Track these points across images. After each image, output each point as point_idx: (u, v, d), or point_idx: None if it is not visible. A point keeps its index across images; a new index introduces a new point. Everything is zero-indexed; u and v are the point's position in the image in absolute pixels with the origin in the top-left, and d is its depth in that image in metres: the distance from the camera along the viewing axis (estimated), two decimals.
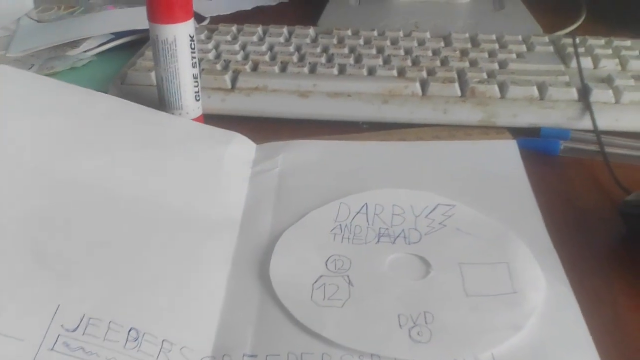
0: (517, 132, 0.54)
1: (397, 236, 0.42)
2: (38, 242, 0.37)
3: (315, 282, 0.38)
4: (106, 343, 0.33)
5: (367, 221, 0.43)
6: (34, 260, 0.36)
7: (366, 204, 0.45)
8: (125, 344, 0.33)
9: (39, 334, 0.32)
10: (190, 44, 0.49)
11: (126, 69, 0.61)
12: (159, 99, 0.51)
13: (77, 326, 0.33)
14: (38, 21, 0.78)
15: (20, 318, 0.33)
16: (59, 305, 0.34)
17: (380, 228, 0.43)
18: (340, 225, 0.43)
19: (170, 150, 0.47)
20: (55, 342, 0.32)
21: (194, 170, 0.46)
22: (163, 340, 0.34)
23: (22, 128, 0.43)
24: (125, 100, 0.49)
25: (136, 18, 0.72)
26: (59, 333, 0.33)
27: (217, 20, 0.77)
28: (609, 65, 0.61)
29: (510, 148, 0.51)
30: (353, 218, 0.43)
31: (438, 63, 0.60)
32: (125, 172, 0.44)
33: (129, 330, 0.34)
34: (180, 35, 0.48)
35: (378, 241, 0.42)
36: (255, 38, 0.66)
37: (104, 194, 0.42)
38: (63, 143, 0.44)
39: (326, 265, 0.40)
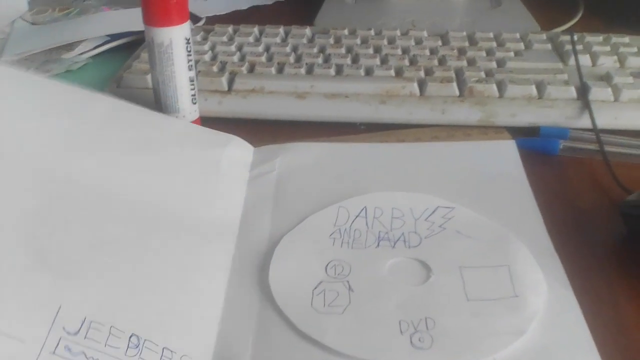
0: (516, 132, 0.54)
1: (397, 240, 0.42)
2: (38, 239, 0.36)
3: (315, 288, 0.38)
4: (107, 349, 0.32)
5: (367, 225, 0.43)
6: (35, 258, 0.35)
7: (365, 207, 0.44)
8: (127, 350, 0.33)
9: (40, 336, 0.31)
10: (187, 47, 0.49)
11: (122, 71, 0.60)
12: (156, 102, 0.51)
13: (79, 329, 0.32)
14: (32, 23, 0.77)
15: (21, 318, 0.32)
16: (60, 306, 0.33)
17: (379, 232, 0.42)
18: (339, 229, 0.43)
19: (168, 152, 0.47)
20: (57, 346, 0.31)
21: (191, 174, 0.46)
22: (164, 348, 0.34)
23: (20, 128, 0.42)
24: (124, 101, 0.48)
25: (132, 19, 0.72)
26: (60, 336, 0.32)
27: (213, 20, 0.77)
28: (607, 62, 0.60)
29: (509, 148, 0.51)
30: (352, 222, 0.43)
31: (436, 62, 0.60)
32: (123, 174, 0.43)
33: (130, 337, 0.33)
34: (176, 38, 0.48)
35: (378, 245, 0.41)
36: (251, 39, 0.66)
37: (101, 195, 0.41)
38: (61, 143, 0.43)
39: (326, 270, 0.39)
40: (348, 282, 0.39)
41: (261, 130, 0.54)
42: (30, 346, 0.31)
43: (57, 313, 0.32)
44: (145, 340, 0.33)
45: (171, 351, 0.34)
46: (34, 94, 0.46)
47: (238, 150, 0.50)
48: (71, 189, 0.40)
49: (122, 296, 0.36)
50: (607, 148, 0.50)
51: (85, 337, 0.32)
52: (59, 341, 0.31)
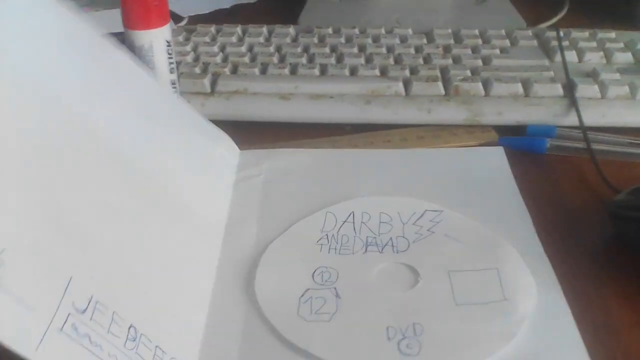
0: (503, 130, 0.53)
1: (385, 245, 0.41)
2: (53, 189, 0.31)
3: (302, 295, 0.37)
4: (110, 336, 0.30)
5: (354, 230, 0.42)
6: (49, 210, 0.30)
7: (353, 212, 0.44)
8: (126, 342, 0.31)
9: (51, 307, 0.27)
10: (167, 50, 0.48)
11: None
12: None
13: (86, 308, 0.29)
14: None
15: (34, 281, 0.27)
16: (71, 278, 0.29)
17: (367, 237, 0.42)
18: (327, 235, 0.42)
19: (172, 129, 0.44)
20: (65, 322, 0.28)
21: (190, 161, 0.44)
22: (156, 347, 0.32)
23: (40, 56, 0.36)
24: (138, 64, 0.45)
25: (113, 21, 0.70)
26: (69, 312, 0.28)
27: (195, 19, 0.76)
28: (593, 58, 0.60)
29: (497, 154, 0.50)
30: (340, 227, 0.43)
31: (421, 61, 0.59)
32: (130, 136, 0.40)
33: (129, 328, 0.31)
34: (156, 41, 0.47)
35: (365, 251, 0.41)
36: (234, 38, 0.65)
37: (112, 152, 0.37)
38: (79, 82, 0.37)
39: (313, 277, 0.39)
40: (335, 288, 0.38)
41: (245, 132, 0.53)
42: (40, 316, 0.27)
43: (68, 285, 0.29)
44: (141, 334, 0.32)
45: (162, 351, 0.32)
46: (52, 19, 0.39)
47: (227, 149, 0.49)
48: (85, 135, 0.36)
49: (123, 280, 0.33)
50: (595, 146, 0.49)
51: (91, 319, 0.29)
52: (67, 317, 0.28)
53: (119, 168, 0.37)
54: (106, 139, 0.37)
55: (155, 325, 0.33)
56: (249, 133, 0.53)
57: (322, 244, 0.41)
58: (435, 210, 0.44)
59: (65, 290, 0.29)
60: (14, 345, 0.25)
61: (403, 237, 0.42)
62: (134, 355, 0.30)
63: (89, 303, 0.29)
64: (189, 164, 0.44)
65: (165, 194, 0.40)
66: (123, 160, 0.38)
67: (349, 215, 0.44)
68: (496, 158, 0.50)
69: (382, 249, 0.41)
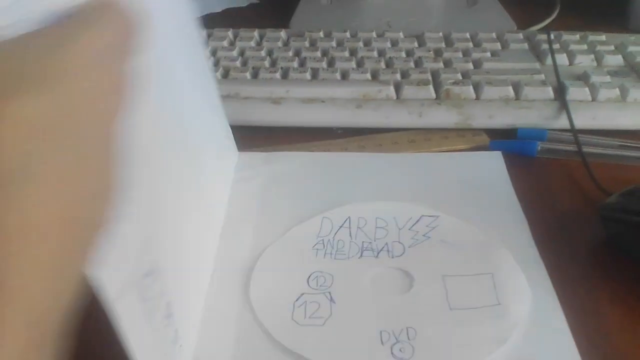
0: (494, 134, 0.53)
1: (381, 250, 0.41)
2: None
3: (297, 300, 0.38)
4: (156, 307, 0.29)
5: (350, 235, 0.42)
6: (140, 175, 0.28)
7: (349, 217, 0.44)
8: (162, 317, 0.30)
9: (129, 264, 0.27)
10: None
11: None
12: None
13: (148, 274, 0.28)
14: None
15: (124, 234, 0.26)
16: (143, 241, 0.29)
17: (363, 242, 0.42)
18: (322, 240, 0.42)
19: (204, 110, 0.42)
20: (135, 282, 0.27)
21: (209, 146, 0.44)
22: (176, 329, 0.31)
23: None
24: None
25: None
26: (138, 273, 0.28)
27: None
28: (584, 61, 0.60)
29: (495, 159, 0.50)
30: (336, 233, 0.43)
31: (412, 64, 0.60)
32: (186, 107, 0.37)
33: (167, 303, 0.30)
34: None
35: (361, 256, 0.41)
36: (225, 43, 0.65)
37: (177, 120, 0.35)
38: (170, 43, 0.35)
39: (308, 282, 0.39)
40: (330, 293, 0.38)
41: (236, 136, 0.53)
42: (121, 269, 0.26)
43: (141, 247, 0.29)
44: (172, 313, 0.31)
45: (178, 335, 0.32)
46: None
47: (230, 149, 0.49)
48: (169, 102, 0.34)
49: (171, 256, 0.32)
50: (586, 149, 0.50)
51: (149, 286, 0.29)
52: (137, 278, 0.28)
53: (180, 143, 0.36)
54: (178, 110, 0.36)
55: (179, 308, 0.32)
56: (241, 137, 0.53)
57: (317, 249, 0.41)
58: (432, 216, 0.44)
59: (139, 252, 0.28)
60: (103, 286, 0.24)
61: (399, 242, 0.42)
62: (164, 332, 0.30)
63: (150, 270, 0.29)
64: (209, 151, 0.43)
65: (196, 178, 0.39)
66: (181, 134, 0.37)
67: (345, 221, 0.44)
68: (494, 163, 0.50)
69: (378, 254, 0.41)
